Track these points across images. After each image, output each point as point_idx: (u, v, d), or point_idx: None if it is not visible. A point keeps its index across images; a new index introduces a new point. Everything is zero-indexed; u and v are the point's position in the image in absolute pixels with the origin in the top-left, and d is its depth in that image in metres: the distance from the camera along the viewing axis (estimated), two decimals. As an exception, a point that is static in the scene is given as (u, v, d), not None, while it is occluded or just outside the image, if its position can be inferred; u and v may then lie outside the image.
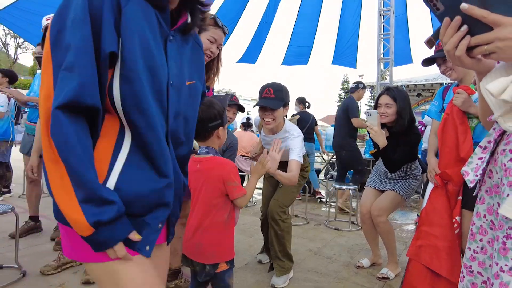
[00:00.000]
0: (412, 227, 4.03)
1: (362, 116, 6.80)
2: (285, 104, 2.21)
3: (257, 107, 2.23)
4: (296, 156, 2.13)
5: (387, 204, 2.51)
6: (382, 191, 2.62)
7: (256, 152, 2.59)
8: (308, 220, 4.07)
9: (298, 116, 3.39)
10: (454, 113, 1.60)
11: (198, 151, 1.56)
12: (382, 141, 2.32)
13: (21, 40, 31.45)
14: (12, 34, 31.20)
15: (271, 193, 2.54)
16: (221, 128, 1.56)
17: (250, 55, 8.63)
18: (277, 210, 2.35)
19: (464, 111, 1.59)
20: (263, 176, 1.74)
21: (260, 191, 2.96)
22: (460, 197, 1.60)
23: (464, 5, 0.69)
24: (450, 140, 1.61)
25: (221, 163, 1.53)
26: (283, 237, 2.36)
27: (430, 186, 1.85)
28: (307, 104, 5.48)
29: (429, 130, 2.50)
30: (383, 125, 2.50)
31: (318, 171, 6.21)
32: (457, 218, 1.59)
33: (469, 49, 0.74)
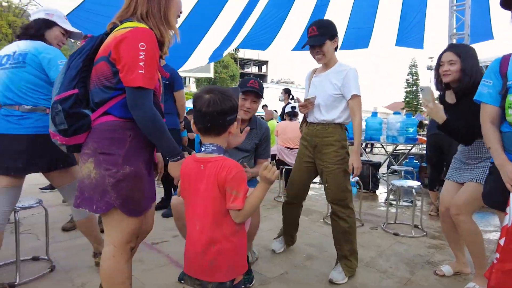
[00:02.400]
0: (495, 235, 3.32)
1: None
2: (332, 37, 2.28)
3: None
4: (357, 90, 2.26)
5: (467, 199, 2.10)
6: (463, 184, 2.22)
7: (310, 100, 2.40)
8: (363, 222, 3.59)
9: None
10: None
11: (204, 149, 1.32)
12: (440, 117, 2.08)
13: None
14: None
15: (302, 179, 2.50)
16: (235, 123, 1.37)
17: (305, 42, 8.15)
18: (339, 208, 2.31)
19: None
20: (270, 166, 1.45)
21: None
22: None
23: None
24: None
25: (229, 165, 1.27)
26: (350, 233, 2.30)
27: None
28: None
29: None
30: (448, 88, 2.27)
31: (378, 165, 5.59)
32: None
33: None
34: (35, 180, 4.43)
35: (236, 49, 36.10)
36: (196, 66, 7.33)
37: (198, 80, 44.05)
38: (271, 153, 3.76)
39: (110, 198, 1.36)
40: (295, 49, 8.33)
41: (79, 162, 1.43)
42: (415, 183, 3.38)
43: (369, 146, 13.51)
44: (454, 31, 5.46)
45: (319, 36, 2.24)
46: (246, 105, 2.31)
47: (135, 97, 1.33)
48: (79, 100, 1.38)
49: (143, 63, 1.30)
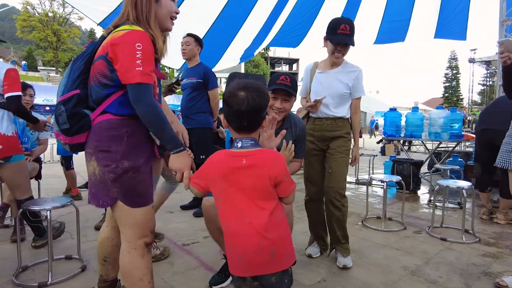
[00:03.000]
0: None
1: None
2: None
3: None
4: (363, 91, 2.42)
5: None
6: None
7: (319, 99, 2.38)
8: (405, 226, 3.32)
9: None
10: None
11: (242, 144, 1.29)
12: None
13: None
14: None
15: (318, 172, 2.50)
16: (267, 117, 1.41)
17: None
18: (337, 196, 2.35)
19: None
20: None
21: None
22: None
23: None
24: None
25: (276, 156, 1.31)
26: (344, 221, 2.41)
27: None
28: None
29: None
30: None
31: (420, 163, 5.22)
32: None
33: None
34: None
35: (267, 48, 35.91)
36: (228, 66, 7.24)
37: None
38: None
39: (113, 193, 1.43)
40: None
41: (89, 161, 1.47)
42: (465, 183, 3.07)
43: (406, 144, 12.84)
44: (505, 16, 4.99)
45: (351, 36, 2.25)
46: (276, 105, 2.05)
47: (136, 93, 1.37)
48: (81, 100, 1.43)
49: (140, 61, 1.35)
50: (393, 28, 7.60)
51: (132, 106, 1.38)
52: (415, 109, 5.62)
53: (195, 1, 5.11)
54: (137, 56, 1.35)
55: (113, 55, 1.37)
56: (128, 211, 1.45)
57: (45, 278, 2.13)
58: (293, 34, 7.15)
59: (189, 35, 3.63)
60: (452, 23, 7.30)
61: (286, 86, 2.02)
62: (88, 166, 1.47)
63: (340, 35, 2.23)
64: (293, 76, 2.15)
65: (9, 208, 2.88)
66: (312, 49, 8.19)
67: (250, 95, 1.25)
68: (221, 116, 1.53)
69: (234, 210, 1.25)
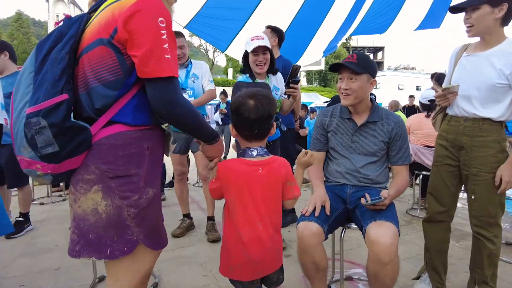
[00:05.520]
0: None
1: None
2: (494, 3, 1.63)
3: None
4: None
5: None
6: None
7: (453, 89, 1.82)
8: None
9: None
10: None
11: (258, 153, 1.28)
12: None
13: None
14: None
15: (447, 188, 1.93)
16: (274, 124, 1.34)
17: (434, 18, 6.69)
18: (485, 226, 1.80)
19: None
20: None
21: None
22: None
23: None
24: None
25: (285, 163, 1.34)
26: (497, 256, 1.85)
27: None
28: None
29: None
30: None
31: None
32: None
33: None
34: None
35: (349, 37, 34.07)
36: (311, 61, 6.80)
37: (309, 74, 43.36)
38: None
39: (132, 234, 1.03)
40: (418, 28, 6.97)
41: (70, 194, 1.04)
42: None
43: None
44: None
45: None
46: (342, 86, 1.76)
47: (166, 91, 0.98)
48: (70, 109, 0.95)
49: (167, 44, 0.97)
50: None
51: (157, 109, 1.00)
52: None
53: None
54: (163, 37, 0.96)
55: (128, 36, 0.94)
56: (139, 257, 1.07)
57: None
58: (379, 20, 6.37)
59: (267, 27, 3.34)
60: None
61: (350, 63, 1.71)
62: (80, 201, 1.00)
63: (464, 2, 1.74)
64: (364, 54, 1.84)
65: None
66: (401, 34, 7.22)
67: (260, 103, 1.22)
68: (230, 126, 1.34)
69: (247, 216, 1.25)
